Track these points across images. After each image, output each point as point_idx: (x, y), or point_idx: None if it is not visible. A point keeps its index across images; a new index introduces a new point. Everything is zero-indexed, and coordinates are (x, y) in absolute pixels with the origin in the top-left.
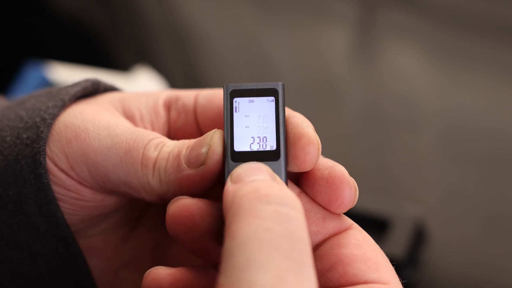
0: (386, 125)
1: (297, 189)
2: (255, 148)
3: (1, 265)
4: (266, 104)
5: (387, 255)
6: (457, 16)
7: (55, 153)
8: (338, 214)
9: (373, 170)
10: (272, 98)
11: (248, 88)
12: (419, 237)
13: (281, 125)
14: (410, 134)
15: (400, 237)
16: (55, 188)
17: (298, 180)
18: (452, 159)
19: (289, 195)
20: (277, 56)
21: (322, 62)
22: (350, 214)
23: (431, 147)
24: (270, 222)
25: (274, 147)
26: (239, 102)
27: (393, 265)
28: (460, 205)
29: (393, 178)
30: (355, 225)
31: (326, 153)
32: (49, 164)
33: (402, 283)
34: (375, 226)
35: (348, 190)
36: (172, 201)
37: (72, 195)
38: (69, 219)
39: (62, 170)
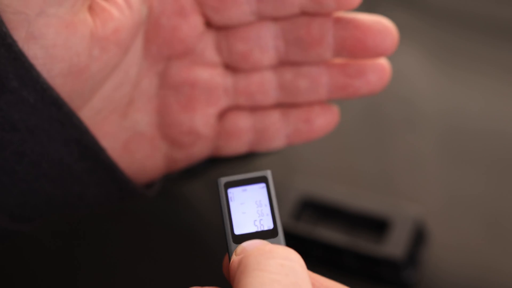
0: (386, 124)
1: None
2: (254, 229)
3: (5, 150)
4: (258, 191)
5: (387, 255)
6: (457, 16)
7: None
8: (342, 286)
9: (373, 169)
10: (263, 184)
11: (240, 179)
12: (419, 237)
13: (275, 206)
14: (410, 133)
15: (400, 237)
16: (34, 50)
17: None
18: (452, 159)
19: (292, 252)
20: None
21: None
22: (351, 213)
23: (431, 147)
24: (275, 274)
25: (272, 227)
26: (233, 192)
27: (393, 265)
28: (460, 205)
29: (393, 178)
30: None
31: (326, 152)
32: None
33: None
34: (375, 226)
35: (391, 29)
36: None
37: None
38: (57, 88)
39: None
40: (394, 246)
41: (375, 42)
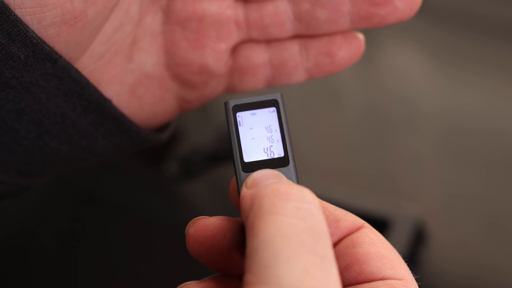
0: (386, 125)
1: None
2: (264, 157)
3: (1, 108)
4: (268, 115)
5: None
6: (457, 16)
7: None
8: (350, 215)
9: (373, 169)
10: (274, 108)
11: (249, 101)
12: (419, 237)
13: (286, 133)
14: (410, 134)
15: (400, 237)
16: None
17: None
18: (452, 159)
19: (307, 193)
20: None
21: None
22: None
23: (431, 147)
24: (292, 218)
25: (282, 154)
26: (242, 116)
27: None
28: (460, 205)
29: (393, 178)
30: (367, 224)
31: (325, 152)
32: None
33: (415, 278)
34: (375, 226)
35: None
36: (190, 223)
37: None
38: (49, 41)
39: None
40: (394, 246)
41: None
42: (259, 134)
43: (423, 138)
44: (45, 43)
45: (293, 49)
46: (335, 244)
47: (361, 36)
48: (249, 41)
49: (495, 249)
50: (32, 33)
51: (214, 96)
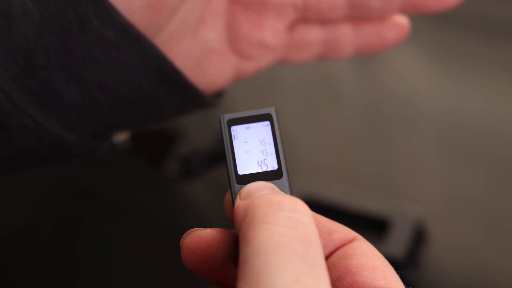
0: (386, 125)
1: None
2: (258, 170)
3: (87, 80)
4: (263, 129)
5: (387, 255)
6: (457, 16)
7: None
8: (343, 227)
9: (373, 170)
10: (268, 122)
11: (243, 116)
12: (419, 237)
13: (280, 146)
14: (410, 134)
15: (400, 237)
16: None
17: None
18: (452, 159)
19: (300, 203)
20: None
21: (322, 61)
22: (351, 213)
23: (431, 147)
24: (284, 227)
25: (276, 167)
26: (236, 130)
27: (392, 265)
28: (460, 205)
29: (393, 178)
30: (359, 236)
31: (326, 152)
32: None
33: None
34: (375, 226)
35: None
36: (185, 234)
37: None
38: (135, 24)
39: None
40: (394, 246)
41: None
42: (253, 148)
43: (423, 138)
44: (133, 27)
45: (346, 29)
46: (328, 256)
47: (406, 21)
48: (306, 20)
49: (495, 249)
50: (123, 19)
51: (268, 66)
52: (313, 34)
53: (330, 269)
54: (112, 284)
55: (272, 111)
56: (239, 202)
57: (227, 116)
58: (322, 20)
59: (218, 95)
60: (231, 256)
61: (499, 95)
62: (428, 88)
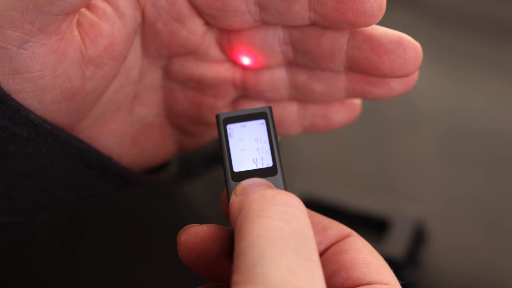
0: (386, 125)
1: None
2: (253, 167)
3: (7, 173)
4: (258, 127)
5: (387, 255)
6: (458, 16)
7: None
8: (338, 224)
9: (373, 170)
10: (263, 120)
11: (239, 114)
12: (419, 237)
13: (274, 143)
14: (410, 134)
15: (400, 237)
16: (20, 85)
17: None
18: (452, 159)
19: (294, 198)
20: None
21: None
22: (351, 213)
23: (431, 147)
24: (278, 221)
25: (271, 164)
26: (232, 128)
27: (392, 265)
28: (460, 205)
29: (393, 178)
30: (354, 232)
31: (326, 152)
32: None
33: (401, 284)
34: (375, 226)
35: (414, 52)
36: (181, 230)
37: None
38: (50, 115)
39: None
40: (394, 246)
41: (392, 68)
42: (248, 145)
43: (423, 138)
44: (46, 122)
45: (291, 109)
46: (323, 252)
47: (357, 102)
48: (247, 98)
49: (495, 249)
50: (33, 116)
51: (211, 140)
52: None
53: (325, 265)
54: (112, 284)
55: (267, 109)
56: (234, 197)
57: (223, 115)
58: (266, 99)
59: (162, 167)
60: (226, 252)
61: (499, 95)
62: (428, 88)
